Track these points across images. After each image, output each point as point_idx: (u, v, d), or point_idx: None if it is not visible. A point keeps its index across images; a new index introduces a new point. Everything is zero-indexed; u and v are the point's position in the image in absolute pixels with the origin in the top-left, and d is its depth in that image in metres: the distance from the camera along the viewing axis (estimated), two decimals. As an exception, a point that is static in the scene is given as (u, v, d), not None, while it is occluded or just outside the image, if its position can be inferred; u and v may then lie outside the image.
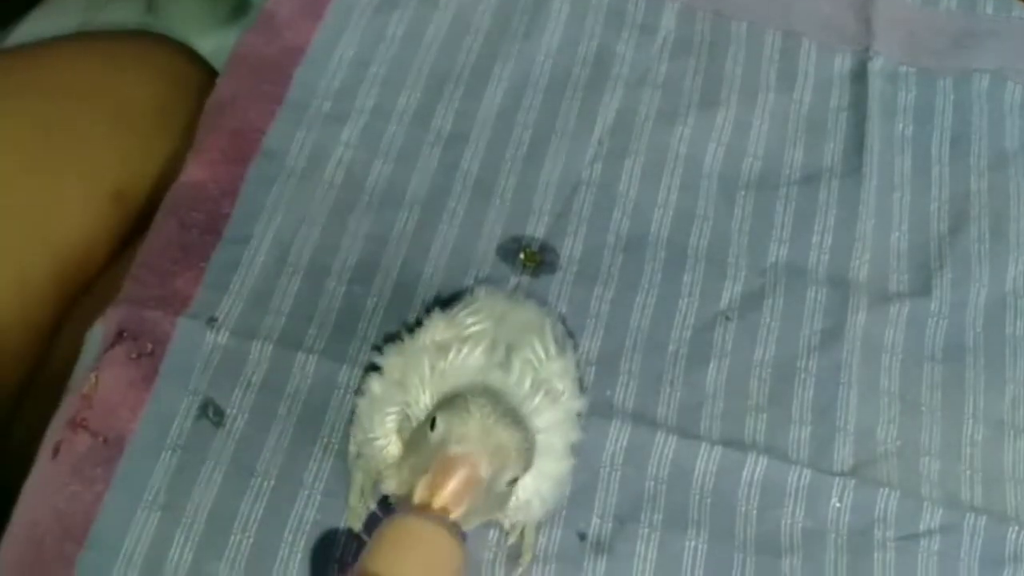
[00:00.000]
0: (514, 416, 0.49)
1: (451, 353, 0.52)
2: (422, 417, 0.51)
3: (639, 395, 0.59)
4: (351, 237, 0.61)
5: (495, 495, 0.49)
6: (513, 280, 0.62)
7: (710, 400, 0.60)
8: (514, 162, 0.65)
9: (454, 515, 0.46)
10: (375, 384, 0.53)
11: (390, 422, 0.52)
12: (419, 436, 0.49)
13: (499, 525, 0.54)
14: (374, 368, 0.53)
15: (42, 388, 0.59)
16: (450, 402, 0.49)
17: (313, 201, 0.62)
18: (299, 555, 0.52)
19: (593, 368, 0.60)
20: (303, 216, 0.61)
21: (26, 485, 0.52)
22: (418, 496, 0.46)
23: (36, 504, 0.52)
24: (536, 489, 0.52)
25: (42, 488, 0.52)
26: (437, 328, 0.53)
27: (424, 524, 0.45)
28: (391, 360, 0.53)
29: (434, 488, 0.46)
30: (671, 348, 0.61)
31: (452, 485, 0.46)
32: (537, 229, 0.64)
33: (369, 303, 0.59)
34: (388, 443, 0.51)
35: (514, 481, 0.49)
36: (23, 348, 0.69)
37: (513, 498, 0.51)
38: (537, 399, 0.52)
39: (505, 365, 0.52)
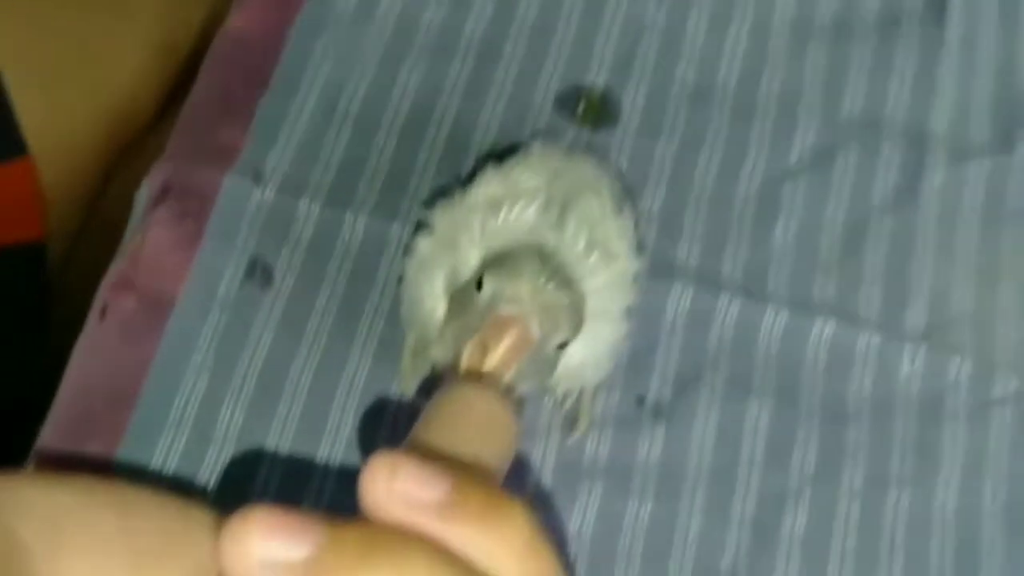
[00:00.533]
0: (565, 276, 0.47)
1: (503, 210, 0.49)
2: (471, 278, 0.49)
3: (703, 255, 0.57)
4: (402, 87, 0.59)
5: (544, 360, 0.47)
6: (571, 133, 0.59)
7: (777, 260, 0.57)
8: (574, 5, 0.62)
9: (505, 378, 0.44)
10: (423, 244, 0.51)
11: (438, 284, 0.50)
12: (465, 297, 0.47)
13: (553, 392, 0.52)
14: (423, 226, 0.51)
15: (89, 249, 0.58)
16: (499, 262, 0.47)
17: (363, 49, 0.59)
18: (350, 420, 0.51)
19: (655, 227, 0.57)
20: (353, 65, 0.59)
21: (76, 348, 0.51)
22: (466, 360, 0.44)
23: (85, 367, 0.51)
24: (590, 354, 0.50)
25: (91, 351, 0.51)
26: (489, 184, 0.51)
27: (479, 393, 0.42)
28: (440, 218, 0.51)
29: (484, 350, 0.44)
30: (737, 205, 0.58)
31: (503, 347, 0.44)
32: (598, 78, 0.61)
33: (421, 157, 0.57)
34: (437, 306, 0.50)
35: (563, 345, 0.47)
36: (71, 203, 0.68)
37: (566, 364, 0.49)
38: (592, 259, 0.49)
39: (559, 223, 0.49)
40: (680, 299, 0.55)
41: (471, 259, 0.49)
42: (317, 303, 0.53)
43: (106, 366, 0.51)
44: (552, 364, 0.48)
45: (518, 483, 0.50)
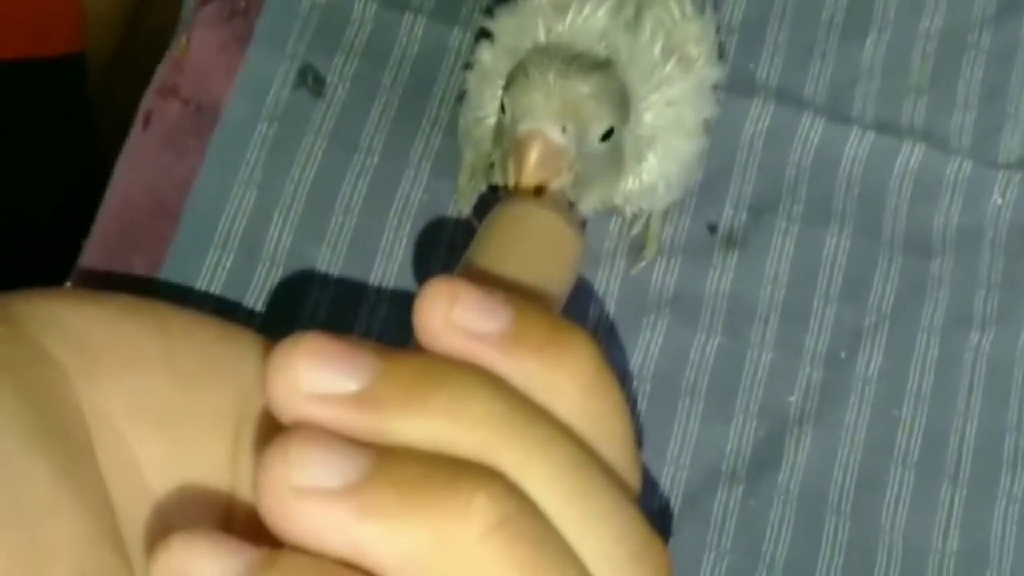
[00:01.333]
0: (587, 61, 0.43)
1: (570, 13, 0.46)
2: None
3: (785, 69, 0.53)
4: None
5: (595, 156, 0.43)
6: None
7: (865, 77, 0.53)
8: None
9: (553, 186, 0.41)
10: (485, 53, 0.47)
11: (502, 96, 0.46)
12: (502, 122, 0.44)
13: (621, 214, 0.49)
14: (485, 35, 0.48)
15: (135, 60, 0.55)
16: (511, 75, 0.43)
17: None
18: (404, 239, 0.48)
19: (735, 37, 0.53)
20: None
21: (119, 158, 0.48)
22: (510, 186, 0.42)
23: (128, 178, 0.48)
24: (662, 171, 0.47)
25: (134, 161, 0.48)
26: None
27: (536, 211, 0.38)
28: (503, 23, 0.47)
29: (515, 174, 0.41)
30: (824, 16, 0.54)
31: (530, 164, 0.41)
32: None
33: (485, -44, 0.53)
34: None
35: (609, 133, 0.43)
36: (113, 12, 0.65)
37: (636, 181, 0.46)
38: (668, 66, 0.46)
39: (633, 26, 0.46)
40: (759, 118, 0.52)
41: None
42: (371, 114, 0.50)
43: (150, 177, 0.48)
44: (609, 157, 0.44)
45: (580, 313, 0.48)
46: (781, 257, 0.50)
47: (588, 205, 0.44)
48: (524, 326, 0.29)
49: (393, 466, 0.25)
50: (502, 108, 0.43)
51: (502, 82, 0.46)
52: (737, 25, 0.53)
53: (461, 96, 0.49)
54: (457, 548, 0.25)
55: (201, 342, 0.35)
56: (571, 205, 0.42)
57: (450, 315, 0.28)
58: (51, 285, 0.45)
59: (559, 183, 0.41)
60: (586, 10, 0.45)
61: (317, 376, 0.27)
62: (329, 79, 0.50)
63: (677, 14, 0.46)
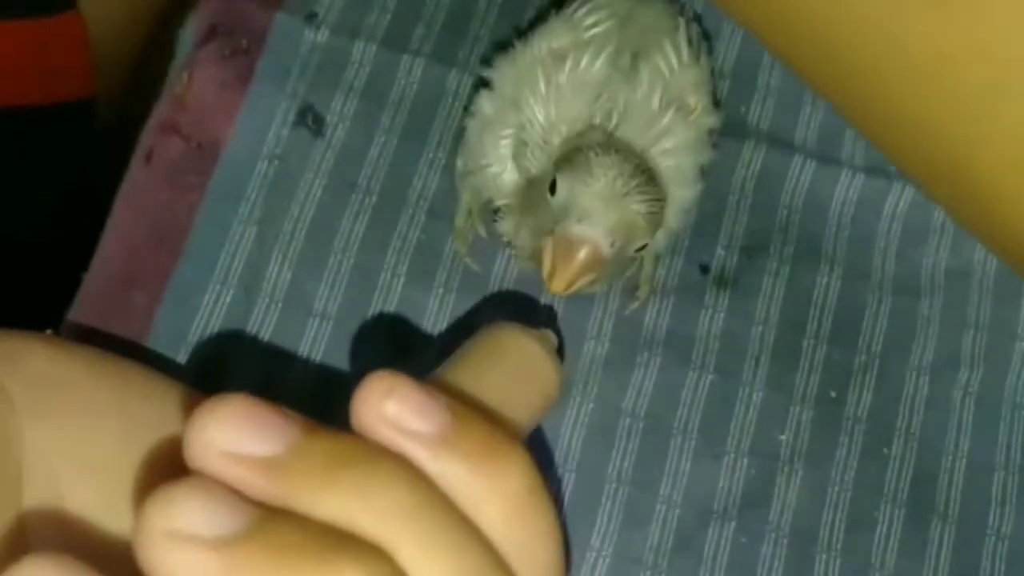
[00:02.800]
0: (645, 172, 0.44)
1: (568, 63, 0.47)
2: (539, 140, 0.46)
3: (776, 113, 0.54)
4: (466, -78, 0.55)
5: (623, 262, 0.45)
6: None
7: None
8: None
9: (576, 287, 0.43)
10: (486, 103, 0.48)
11: (504, 146, 0.47)
12: (538, 194, 0.45)
13: (616, 253, 0.50)
14: (484, 84, 0.49)
15: (143, 105, 0.56)
16: (571, 160, 0.44)
17: None
18: (402, 278, 0.49)
19: (727, 80, 0.54)
20: None
21: (119, 193, 0.49)
22: (544, 269, 0.43)
23: (129, 213, 0.49)
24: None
25: (136, 195, 0.49)
26: (553, 33, 0.48)
27: (523, 339, 0.37)
28: (502, 73, 0.48)
29: (552, 271, 0.42)
30: (816, 61, 0.55)
31: (570, 271, 0.42)
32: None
33: (482, 0, 0.54)
34: (503, 170, 0.47)
35: (643, 247, 0.45)
36: (122, 58, 0.66)
37: None
38: (667, 117, 0.47)
39: (631, 76, 0.47)
40: (751, 161, 0.53)
41: (537, 119, 0.46)
42: (370, 154, 0.50)
43: (151, 213, 0.49)
44: (632, 263, 0.47)
45: (574, 352, 0.48)
46: (772, 297, 0.51)
47: (594, 288, 0.46)
48: (460, 434, 0.29)
49: (275, 527, 0.25)
50: (552, 187, 0.43)
51: (505, 131, 0.47)
52: (730, 67, 0.54)
53: (459, 137, 0.50)
54: None
55: (159, 407, 0.35)
56: (559, 346, 0.42)
57: (382, 408, 0.28)
58: (53, 318, 0.46)
59: (583, 286, 0.43)
60: (584, 61, 0.46)
61: (233, 435, 0.27)
62: (328, 119, 0.50)
63: (675, 61, 0.47)
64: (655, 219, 0.44)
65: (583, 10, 0.48)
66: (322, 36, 0.52)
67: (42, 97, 0.67)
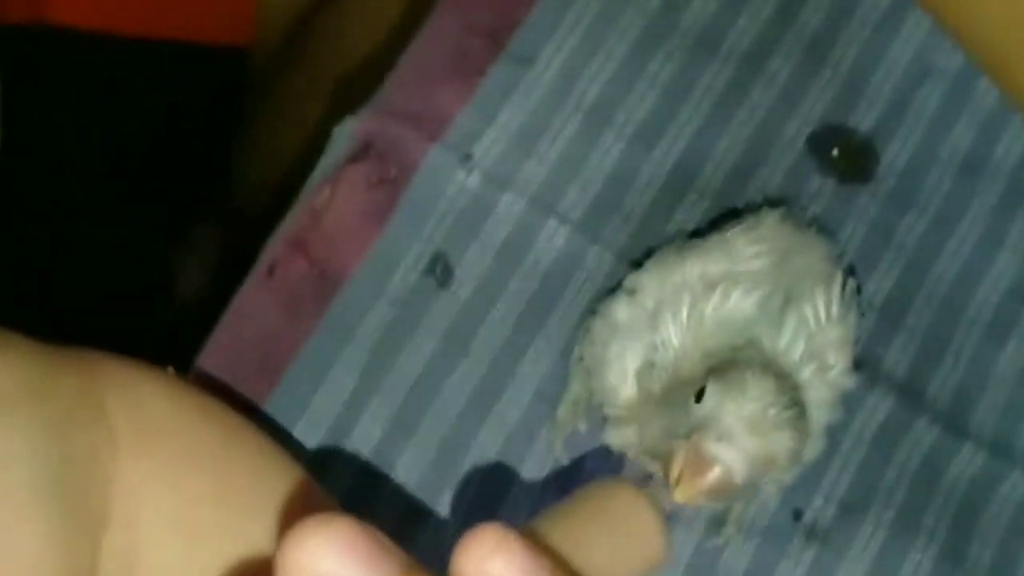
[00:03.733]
0: (798, 405, 0.41)
1: (717, 294, 0.44)
2: (668, 364, 0.44)
3: (915, 362, 0.51)
4: (648, 82, 0.52)
5: (744, 490, 0.42)
6: (817, 180, 0.53)
7: (993, 390, 0.51)
8: (863, 26, 0.55)
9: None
10: (621, 310, 0.46)
11: (630, 360, 0.45)
12: (678, 396, 0.42)
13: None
14: (626, 289, 0.47)
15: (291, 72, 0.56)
16: (725, 375, 0.41)
17: (617, 27, 0.53)
18: (492, 457, 0.48)
19: (873, 315, 0.51)
20: (601, 44, 0.52)
21: (234, 300, 0.48)
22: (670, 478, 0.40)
23: (239, 326, 0.48)
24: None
25: (251, 306, 0.48)
26: (709, 255, 0.46)
27: (635, 502, 0.35)
28: (645, 287, 0.46)
29: (678, 481, 0.40)
30: (970, 313, 0.52)
31: (697, 489, 0.40)
32: (864, 121, 0.54)
33: (645, 171, 0.52)
34: (622, 383, 0.45)
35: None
36: (291, 16, 0.65)
37: None
38: (806, 372, 0.44)
39: (778, 321, 0.44)
40: (875, 410, 0.50)
41: (672, 344, 0.44)
42: (489, 317, 0.49)
43: (260, 331, 0.48)
44: (752, 492, 0.45)
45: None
46: (859, 561, 0.49)
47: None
48: None
49: None
50: (698, 395, 0.41)
51: (634, 344, 0.45)
52: (878, 304, 0.52)
53: (584, 320, 0.49)
54: None
55: (262, 461, 0.34)
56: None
57: (487, 563, 0.27)
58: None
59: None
60: (735, 296, 0.44)
61: (336, 560, 0.26)
62: (458, 272, 0.49)
63: (823, 315, 0.45)
64: (794, 458, 0.41)
65: (744, 238, 0.46)
66: (473, 180, 0.50)
67: (201, 35, 0.66)
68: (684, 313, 0.44)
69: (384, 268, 0.49)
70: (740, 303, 0.44)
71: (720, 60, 0.53)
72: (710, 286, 0.45)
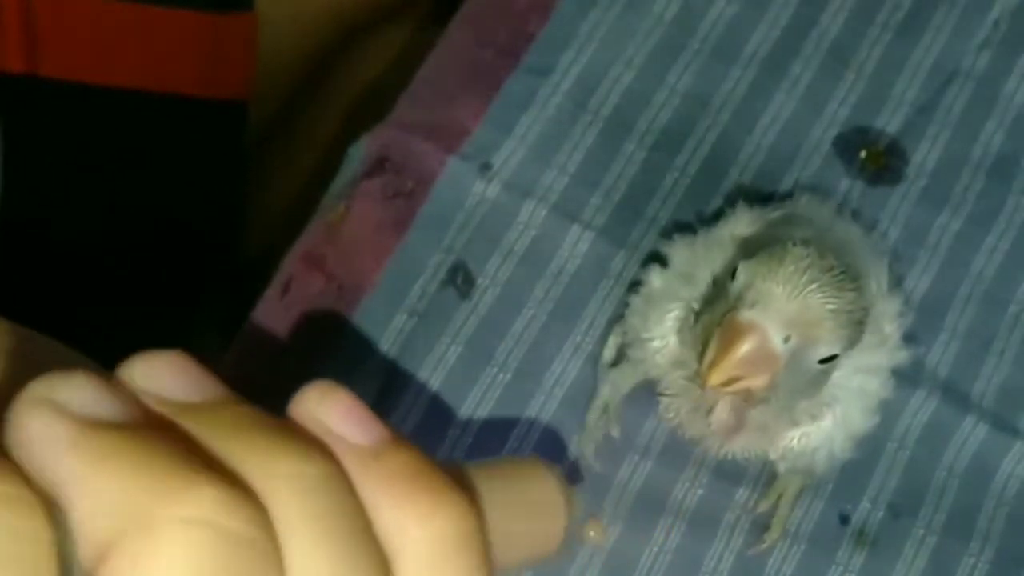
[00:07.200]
0: (848, 273, 0.38)
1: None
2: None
3: (958, 361, 0.49)
4: (668, 90, 0.52)
5: (801, 376, 0.38)
6: (845, 183, 0.51)
7: (1042, 387, 0.49)
8: (884, 30, 0.54)
9: (740, 386, 0.37)
10: (656, 276, 0.44)
11: (670, 320, 0.43)
12: (718, 291, 0.40)
13: (754, 482, 0.47)
14: (656, 258, 0.45)
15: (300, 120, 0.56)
16: (763, 247, 0.38)
17: (634, 37, 0.52)
18: (519, 466, 0.46)
19: (911, 317, 0.49)
20: (618, 54, 0.52)
21: (251, 317, 0.47)
22: (703, 366, 0.37)
23: (253, 345, 0.47)
24: (831, 436, 0.43)
25: (263, 327, 0.47)
26: (740, 221, 0.44)
27: (547, 476, 0.33)
28: (679, 251, 0.44)
29: (712, 357, 0.37)
30: (1012, 310, 0.50)
31: (730, 359, 0.36)
32: (890, 123, 0.53)
33: (668, 178, 0.51)
34: (665, 344, 0.43)
35: (831, 359, 0.38)
36: (292, 72, 0.65)
37: (802, 440, 0.43)
38: (866, 336, 0.40)
39: (834, 283, 0.42)
40: (920, 410, 0.48)
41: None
42: (514, 326, 0.48)
43: (276, 350, 0.47)
44: (818, 383, 0.40)
45: None
46: (911, 566, 0.47)
47: (745, 441, 0.42)
48: (398, 458, 0.26)
49: (151, 432, 0.24)
50: (732, 274, 0.38)
51: (672, 305, 0.43)
52: (916, 303, 0.50)
53: (611, 324, 0.47)
54: (146, 517, 0.22)
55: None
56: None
57: (315, 409, 0.26)
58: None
59: (749, 386, 0.37)
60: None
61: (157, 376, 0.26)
62: (480, 281, 0.48)
63: (874, 285, 0.43)
64: (846, 325, 0.38)
65: (777, 213, 0.45)
66: (493, 190, 0.49)
67: (200, 89, 0.66)
68: (718, 264, 0.42)
69: (403, 280, 0.47)
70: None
71: (740, 66, 0.52)
72: (745, 246, 0.43)
